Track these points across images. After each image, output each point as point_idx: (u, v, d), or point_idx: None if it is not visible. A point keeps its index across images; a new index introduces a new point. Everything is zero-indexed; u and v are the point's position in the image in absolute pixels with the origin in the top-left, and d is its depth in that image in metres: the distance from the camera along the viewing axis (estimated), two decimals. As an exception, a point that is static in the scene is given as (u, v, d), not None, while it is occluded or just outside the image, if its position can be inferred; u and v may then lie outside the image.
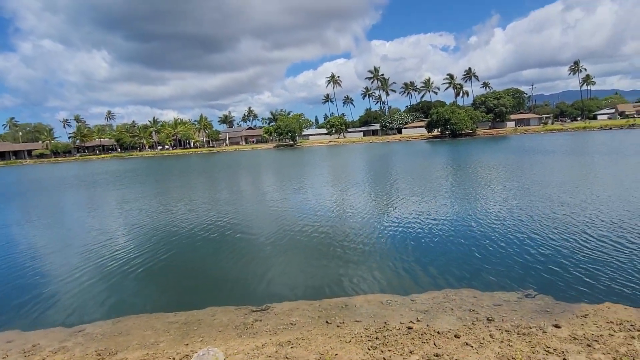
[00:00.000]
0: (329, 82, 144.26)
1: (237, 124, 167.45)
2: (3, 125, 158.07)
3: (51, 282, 9.64)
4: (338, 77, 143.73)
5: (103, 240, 13.55)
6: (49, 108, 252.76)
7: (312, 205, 17.90)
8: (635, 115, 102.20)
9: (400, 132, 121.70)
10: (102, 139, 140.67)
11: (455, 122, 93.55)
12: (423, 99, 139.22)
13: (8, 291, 9.15)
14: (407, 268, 9.11)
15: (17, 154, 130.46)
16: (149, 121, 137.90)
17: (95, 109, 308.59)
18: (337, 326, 6.41)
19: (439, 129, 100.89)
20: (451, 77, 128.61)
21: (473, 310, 6.72)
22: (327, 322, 6.58)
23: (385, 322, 6.42)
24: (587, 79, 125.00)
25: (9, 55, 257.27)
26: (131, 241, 13.28)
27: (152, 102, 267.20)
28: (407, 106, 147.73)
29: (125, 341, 6.46)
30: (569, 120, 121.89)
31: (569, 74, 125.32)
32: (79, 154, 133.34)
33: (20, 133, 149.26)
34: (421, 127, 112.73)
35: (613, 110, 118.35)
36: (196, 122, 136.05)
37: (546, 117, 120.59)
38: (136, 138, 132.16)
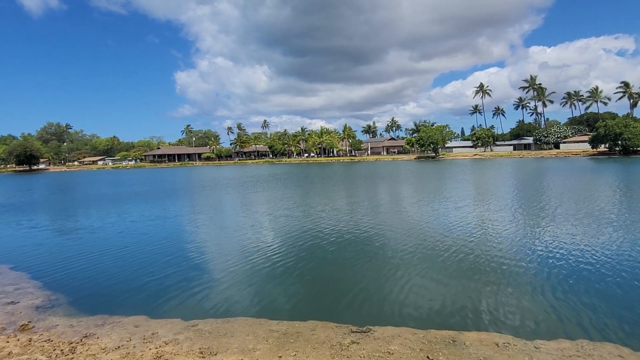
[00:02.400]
0: (477, 92, 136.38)
1: (380, 134, 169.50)
2: (182, 131, 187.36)
3: (180, 274, 10.60)
4: (487, 87, 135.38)
5: (231, 239, 14.64)
6: (218, 117, 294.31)
7: (446, 221, 16.70)
8: None
9: (557, 147, 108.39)
10: (257, 146, 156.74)
11: (628, 137, 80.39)
12: (588, 111, 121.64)
13: (147, 279, 10.36)
14: (536, 306, 7.60)
15: (190, 156, 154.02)
16: (298, 130, 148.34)
17: (254, 118, 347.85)
18: (438, 366, 5.60)
19: (607, 145, 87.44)
20: (626, 85, 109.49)
21: (622, 375, 5.22)
22: (427, 357, 5.80)
23: (498, 372, 5.39)
24: None
25: (190, 72, 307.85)
26: (254, 242, 14.02)
27: (303, 112, 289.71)
28: (568, 118, 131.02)
29: (227, 343, 6.65)
30: None
31: None
32: (237, 158, 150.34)
33: (194, 138, 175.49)
34: (584, 141, 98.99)
35: None
36: (341, 132, 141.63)
37: None
38: (286, 145, 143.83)
